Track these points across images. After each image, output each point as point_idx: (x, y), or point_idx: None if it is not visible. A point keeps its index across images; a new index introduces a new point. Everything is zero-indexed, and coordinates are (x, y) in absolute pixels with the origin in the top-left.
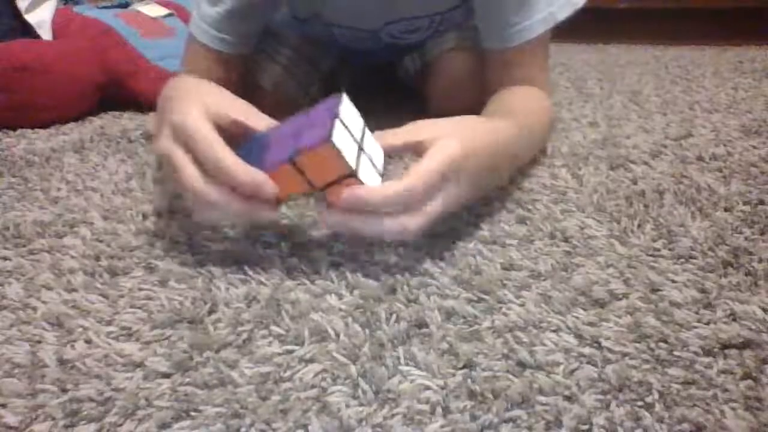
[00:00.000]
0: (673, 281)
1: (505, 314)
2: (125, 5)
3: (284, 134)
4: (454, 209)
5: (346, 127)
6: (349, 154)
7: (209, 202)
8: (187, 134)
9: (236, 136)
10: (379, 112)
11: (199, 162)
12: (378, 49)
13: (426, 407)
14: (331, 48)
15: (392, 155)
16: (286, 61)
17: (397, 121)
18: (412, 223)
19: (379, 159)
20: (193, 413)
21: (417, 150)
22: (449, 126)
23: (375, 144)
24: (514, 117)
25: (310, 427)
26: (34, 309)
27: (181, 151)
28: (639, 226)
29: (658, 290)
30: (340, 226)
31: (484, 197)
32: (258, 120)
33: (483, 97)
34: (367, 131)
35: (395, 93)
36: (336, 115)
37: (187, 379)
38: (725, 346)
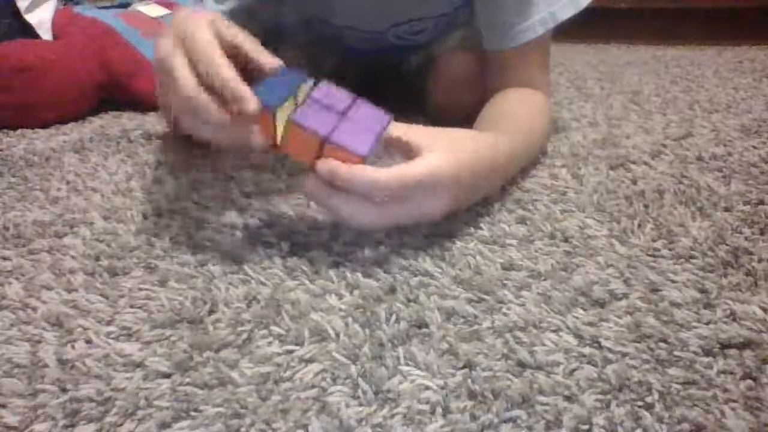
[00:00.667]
0: (673, 281)
1: (505, 314)
2: (125, 5)
3: (324, 100)
4: (429, 217)
5: (379, 144)
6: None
7: (195, 106)
8: (190, 37)
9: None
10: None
11: (196, 65)
12: (384, 49)
13: (426, 407)
14: (337, 48)
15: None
16: (287, 60)
17: (399, 119)
18: (373, 213)
19: None
20: (193, 413)
21: (407, 150)
22: (447, 141)
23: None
24: (510, 126)
25: (310, 427)
26: (34, 309)
27: (181, 55)
28: (639, 226)
29: (658, 290)
30: (314, 191)
31: (485, 198)
32: (269, 58)
33: (483, 98)
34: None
35: (397, 92)
36: (379, 136)
37: (187, 379)
38: (725, 346)
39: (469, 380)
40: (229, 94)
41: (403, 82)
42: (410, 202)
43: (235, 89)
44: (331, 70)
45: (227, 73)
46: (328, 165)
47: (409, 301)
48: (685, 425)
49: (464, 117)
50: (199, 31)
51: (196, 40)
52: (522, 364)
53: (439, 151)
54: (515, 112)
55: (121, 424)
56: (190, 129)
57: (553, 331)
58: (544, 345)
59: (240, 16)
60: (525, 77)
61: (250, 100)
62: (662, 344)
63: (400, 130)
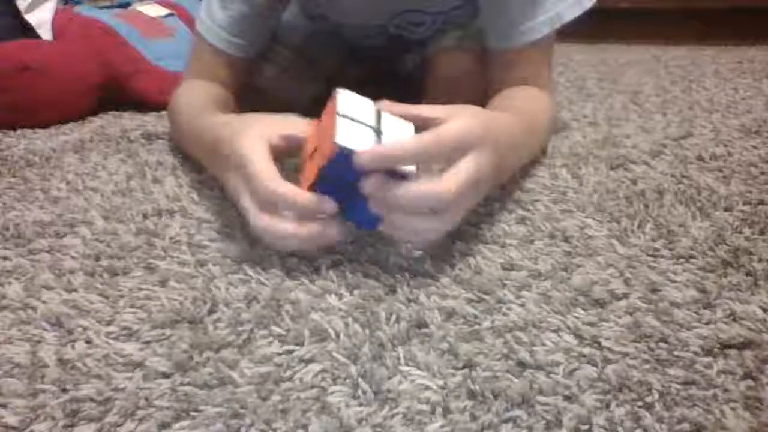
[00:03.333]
0: (673, 281)
1: (505, 314)
2: (125, 5)
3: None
4: (486, 184)
5: None
6: None
7: (278, 235)
8: (244, 172)
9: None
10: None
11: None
12: (384, 44)
13: (426, 407)
14: (336, 46)
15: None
16: (283, 61)
17: None
18: (436, 221)
19: None
20: (193, 413)
21: (430, 125)
22: (467, 109)
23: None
24: (516, 116)
25: (310, 427)
26: (34, 309)
27: (247, 194)
28: (639, 226)
29: (658, 290)
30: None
31: (485, 197)
32: (296, 125)
33: (481, 97)
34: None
35: (397, 92)
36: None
37: (187, 379)
38: (725, 346)
39: (469, 380)
40: (306, 209)
41: (401, 83)
42: (467, 161)
43: (309, 202)
44: (331, 70)
45: (290, 194)
46: (373, 154)
47: (409, 301)
48: (685, 425)
49: None
50: (251, 159)
51: (250, 176)
52: (522, 364)
53: (463, 116)
54: (517, 108)
55: (121, 424)
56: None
57: (553, 331)
58: (544, 345)
59: (245, 22)
60: (528, 76)
61: (327, 202)
62: (662, 344)
63: (418, 108)
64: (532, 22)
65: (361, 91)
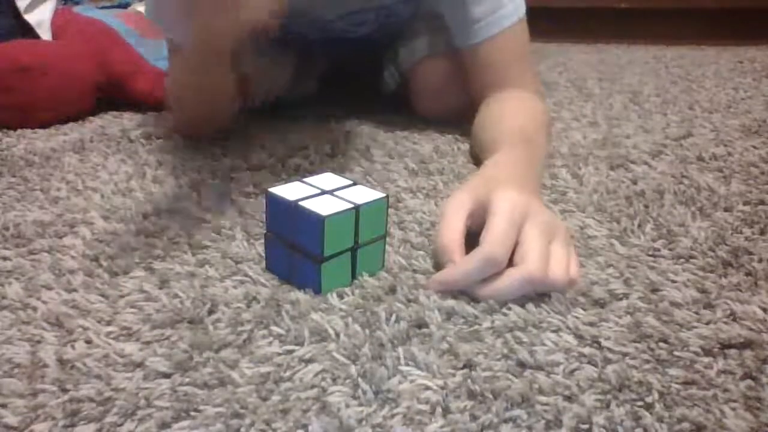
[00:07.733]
0: (673, 281)
1: (505, 314)
2: (125, 5)
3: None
4: (545, 217)
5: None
6: None
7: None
8: None
9: None
10: (372, 112)
11: None
12: (333, 40)
13: (426, 407)
14: (290, 59)
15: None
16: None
17: (390, 121)
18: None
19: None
20: (193, 413)
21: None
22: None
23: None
24: (519, 142)
25: (310, 427)
26: (34, 309)
27: None
28: (639, 226)
29: (658, 290)
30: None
31: None
32: None
33: (467, 98)
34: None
35: (381, 104)
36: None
37: (187, 379)
38: (725, 346)
39: (469, 380)
40: None
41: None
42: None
43: None
44: (296, 57)
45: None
46: (435, 285)
47: (409, 301)
48: (685, 425)
49: (454, 119)
50: None
51: None
52: (522, 364)
53: (495, 191)
54: (512, 125)
55: (121, 424)
56: None
57: (553, 331)
58: (544, 345)
59: None
60: (505, 75)
61: None
62: (662, 344)
63: (460, 220)
64: (491, 17)
65: (346, 98)
